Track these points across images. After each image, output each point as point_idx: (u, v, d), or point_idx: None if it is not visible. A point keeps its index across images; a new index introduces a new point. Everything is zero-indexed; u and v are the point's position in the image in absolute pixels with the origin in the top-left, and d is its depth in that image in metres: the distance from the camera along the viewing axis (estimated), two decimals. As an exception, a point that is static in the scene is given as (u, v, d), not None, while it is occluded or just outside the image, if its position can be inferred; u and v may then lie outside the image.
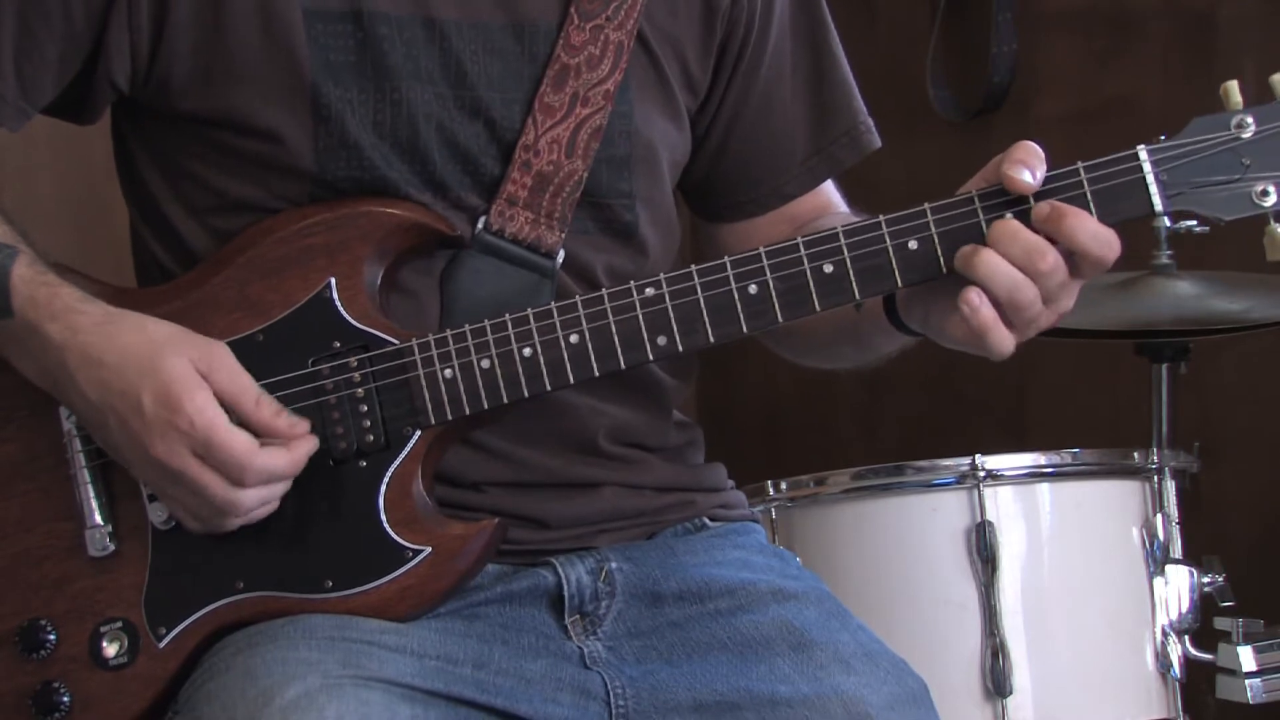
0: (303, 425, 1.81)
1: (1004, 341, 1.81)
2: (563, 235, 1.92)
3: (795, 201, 2.10)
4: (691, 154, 2.08)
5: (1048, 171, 1.79)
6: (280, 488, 1.81)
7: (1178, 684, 2.78)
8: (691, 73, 2.01)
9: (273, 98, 1.87)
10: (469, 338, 1.84)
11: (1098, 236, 1.78)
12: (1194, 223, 1.77)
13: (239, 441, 1.77)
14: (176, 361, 1.78)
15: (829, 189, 2.13)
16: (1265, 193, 1.77)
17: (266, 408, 1.80)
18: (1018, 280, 1.78)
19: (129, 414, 1.78)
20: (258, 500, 1.79)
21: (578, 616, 1.90)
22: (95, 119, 1.97)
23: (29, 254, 1.84)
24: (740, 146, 2.08)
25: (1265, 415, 3.63)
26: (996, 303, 1.79)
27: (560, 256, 1.92)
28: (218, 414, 1.77)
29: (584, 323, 1.84)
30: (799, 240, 1.83)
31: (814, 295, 1.82)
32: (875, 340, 2.00)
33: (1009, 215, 1.79)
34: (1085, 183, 1.79)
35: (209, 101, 1.89)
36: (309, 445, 1.81)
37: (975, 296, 1.79)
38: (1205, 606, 2.81)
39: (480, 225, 1.91)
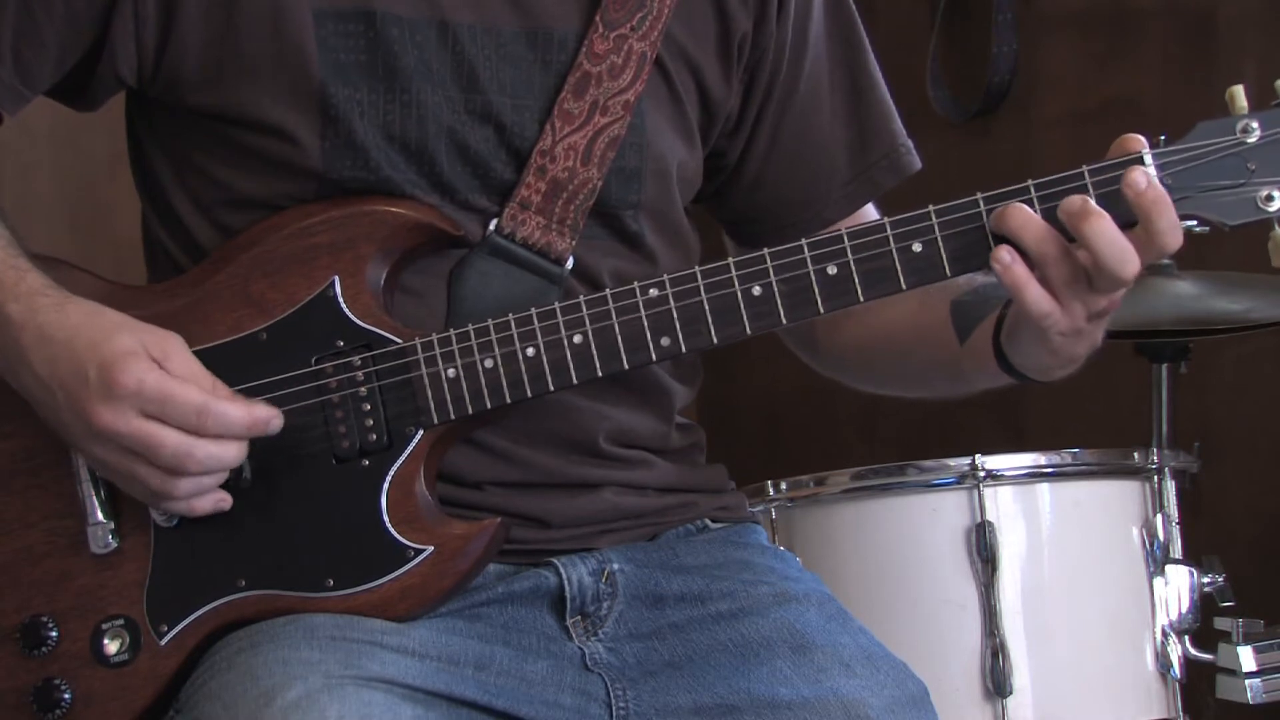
0: (261, 404, 1.81)
1: (1041, 301, 1.76)
2: (573, 242, 1.91)
3: (835, 225, 2.06)
4: (730, 181, 2.08)
5: (1050, 174, 1.79)
6: (233, 453, 1.79)
7: (1178, 684, 2.78)
8: (709, 92, 2.00)
9: (282, 96, 1.87)
10: (472, 337, 1.83)
11: (1114, 243, 1.74)
12: (1194, 223, 1.76)
13: (194, 389, 1.77)
14: (127, 338, 1.78)
15: (869, 211, 2.11)
16: (1270, 198, 1.77)
17: (223, 389, 1.80)
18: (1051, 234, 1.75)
19: (76, 386, 1.77)
20: (210, 457, 1.77)
21: (579, 617, 1.90)
22: (94, 108, 1.97)
23: (4, 238, 1.85)
24: (779, 172, 2.07)
25: (1265, 415, 3.63)
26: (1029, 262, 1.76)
27: (569, 263, 1.91)
28: (166, 374, 1.77)
29: (588, 323, 1.83)
30: (803, 242, 1.82)
31: (818, 297, 1.82)
32: (974, 378, 1.98)
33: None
34: (1090, 186, 1.78)
35: (218, 97, 1.88)
36: (269, 411, 1.80)
37: (1006, 254, 1.77)
38: (1205, 606, 2.81)
39: (491, 228, 1.90)
